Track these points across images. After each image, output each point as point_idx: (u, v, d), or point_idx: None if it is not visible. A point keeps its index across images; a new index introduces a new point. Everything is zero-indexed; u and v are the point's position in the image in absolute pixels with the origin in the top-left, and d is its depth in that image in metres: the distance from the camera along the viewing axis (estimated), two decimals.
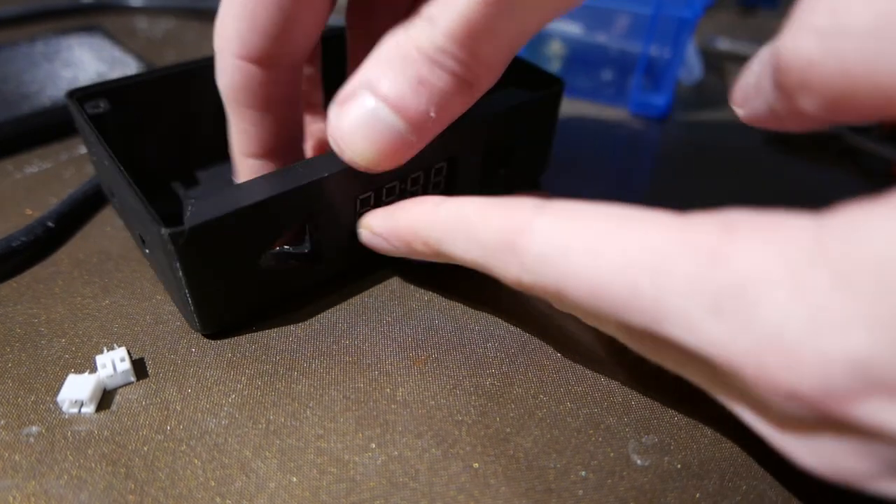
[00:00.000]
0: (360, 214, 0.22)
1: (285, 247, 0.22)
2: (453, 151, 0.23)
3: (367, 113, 0.18)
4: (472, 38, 0.17)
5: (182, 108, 0.26)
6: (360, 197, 0.21)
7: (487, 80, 0.18)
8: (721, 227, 0.13)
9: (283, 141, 0.22)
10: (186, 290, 0.19)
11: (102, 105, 0.24)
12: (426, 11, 0.17)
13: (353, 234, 0.22)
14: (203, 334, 0.21)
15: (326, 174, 0.19)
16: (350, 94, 0.18)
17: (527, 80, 0.26)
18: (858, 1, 0.12)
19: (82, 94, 0.24)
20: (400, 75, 0.17)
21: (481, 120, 0.23)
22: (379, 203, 0.22)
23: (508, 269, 0.16)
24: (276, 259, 0.22)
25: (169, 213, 0.19)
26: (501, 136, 0.25)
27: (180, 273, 0.18)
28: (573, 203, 0.16)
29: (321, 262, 0.22)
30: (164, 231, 0.17)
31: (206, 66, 0.26)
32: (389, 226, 0.20)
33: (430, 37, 0.17)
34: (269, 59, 0.20)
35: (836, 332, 0.11)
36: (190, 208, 0.18)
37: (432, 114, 0.18)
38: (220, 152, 0.28)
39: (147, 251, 0.22)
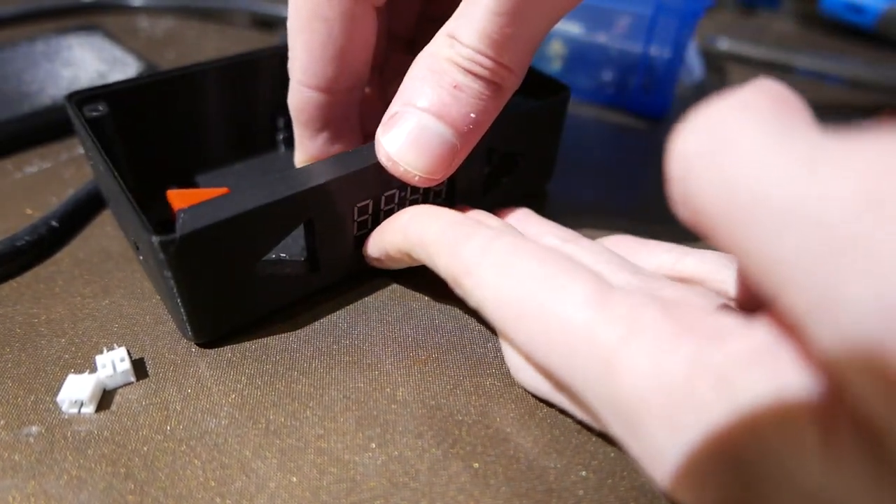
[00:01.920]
0: (359, 223, 0.22)
1: (282, 255, 0.22)
2: None
3: (413, 127, 0.19)
4: (496, 44, 0.18)
5: (183, 112, 0.26)
6: (359, 205, 0.21)
7: (513, 81, 0.20)
8: (626, 325, 0.14)
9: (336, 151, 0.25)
10: (178, 299, 0.19)
11: (101, 108, 0.23)
12: (446, 32, 0.19)
13: (352, 242, 0.22)
14: (196, 343, 0.21)
15: (323, 181, 0.19)
16: (393, 116, 0.20)
17: (533, 87, 0.26)
18: None
19: (81, 98, 0.23)
20: (437, 86, 0.19)
21: None
22: (377, 211, 0.22)
23: (461, 295, 0.18)
24: (271, 267, 0.21)
25: (166, 219, 0.19)
26: (505, 143, 0.24)
27: (171, 281, 0.18)
28: (518, 246, 0.17)
29: (318, 270, 0.22)
30: (155, 239, 0.17)
31: (207, 70, 0.26)
32: (372, 244, 0.22)
33: (457, 49, 0.19)
34: (326, 86, 0.22)
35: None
36: (182, 216, 0.17)
37: (473, 115, 0.19)
38: (221, 156, 0.28)
39: (141, 258, 0.22)
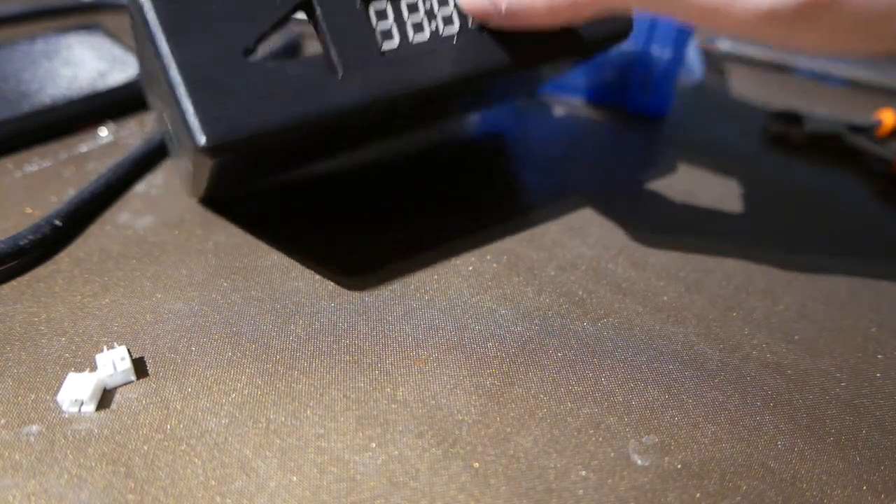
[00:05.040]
0: (382, 33, 0.20)
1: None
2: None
3: None
4: None
5: None
6: (375, 4, 0.19)
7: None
8: None
9: None
10: (175, 78, 0.17)
11: None
12: None
13: (377, 50, 0.20)
14: (206, 147, 0.18)
15: None
16: None
17: None
18: None
19: None
20: None
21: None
22: (400, 20, 0.20)
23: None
24: (280, 60, 0.19)
25: None
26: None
27: (163, 59, 0.17)
28: None
29: (336, 73, 0.19)
30: None
31: None
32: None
33: None
34: None
35: None
36: None
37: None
38: None
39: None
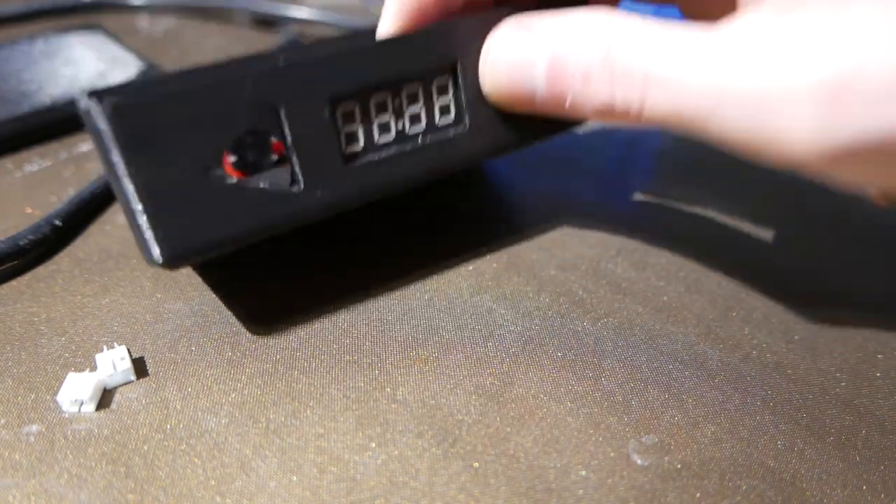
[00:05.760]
0: (348, 135, 0.19)
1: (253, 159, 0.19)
2: (456, 54, 0.20)
3: (526, 60, 0.18)
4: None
5: None
6: (342, 110, 0.19)
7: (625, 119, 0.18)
8: None
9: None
10: (133, 191, 0.17)
11: None
12: (649, 32, 0.16)
13: (339, 158, 0.19)
14: (164, 261, 0.17)
15: (284, 63, 0.17)
16: (527, 28, 0.18)
17: None
18: None
19: None
20: (580, 59, 0.17)
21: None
22: (369, 123, 0.19)
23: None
24: (238, 168, 0.18)
25: None
26: None
27: (121, 166, 0.16)
28: None
29: (298, 184, 0.19)
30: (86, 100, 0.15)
31: None
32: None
33: (633, 56, 0.16)
34: None
35: None
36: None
37: (568, 104, 0.18)
38: None
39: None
